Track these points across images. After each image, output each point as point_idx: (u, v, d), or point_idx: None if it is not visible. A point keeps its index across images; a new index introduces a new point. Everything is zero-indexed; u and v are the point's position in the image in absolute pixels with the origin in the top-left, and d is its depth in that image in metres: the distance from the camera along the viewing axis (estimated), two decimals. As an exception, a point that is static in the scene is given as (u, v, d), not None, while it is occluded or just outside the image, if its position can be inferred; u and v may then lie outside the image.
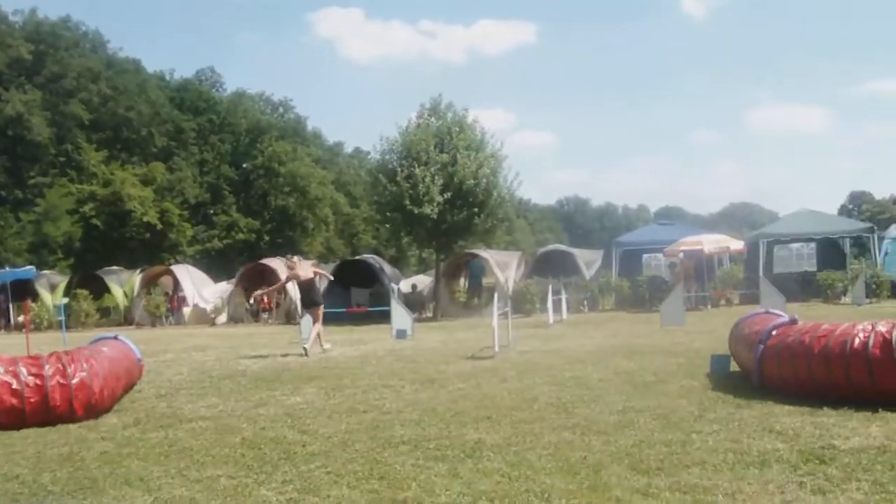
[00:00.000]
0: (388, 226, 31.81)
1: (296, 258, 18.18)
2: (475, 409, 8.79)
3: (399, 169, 28.89)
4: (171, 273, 36.21)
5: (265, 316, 32.89)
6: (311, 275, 17.64)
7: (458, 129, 29.98)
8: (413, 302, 29.78)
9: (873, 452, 6.15)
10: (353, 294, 30.89)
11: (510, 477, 5.92)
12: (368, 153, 57.64)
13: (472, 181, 28.93)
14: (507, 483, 5.78)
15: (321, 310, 16.95)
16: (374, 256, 37.21)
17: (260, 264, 34.82)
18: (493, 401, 9.30)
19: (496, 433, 7.48)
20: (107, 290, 34.85)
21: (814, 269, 30.91)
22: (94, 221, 62.50)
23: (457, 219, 28.94)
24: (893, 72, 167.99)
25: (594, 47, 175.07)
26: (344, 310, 26.85)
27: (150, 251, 61.80)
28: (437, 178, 28.33)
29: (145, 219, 63.13)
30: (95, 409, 8.99)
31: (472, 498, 5.46)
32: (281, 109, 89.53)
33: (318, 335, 16.68)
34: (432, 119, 30.76)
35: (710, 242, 28.36)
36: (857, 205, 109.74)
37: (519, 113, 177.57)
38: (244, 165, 79.05)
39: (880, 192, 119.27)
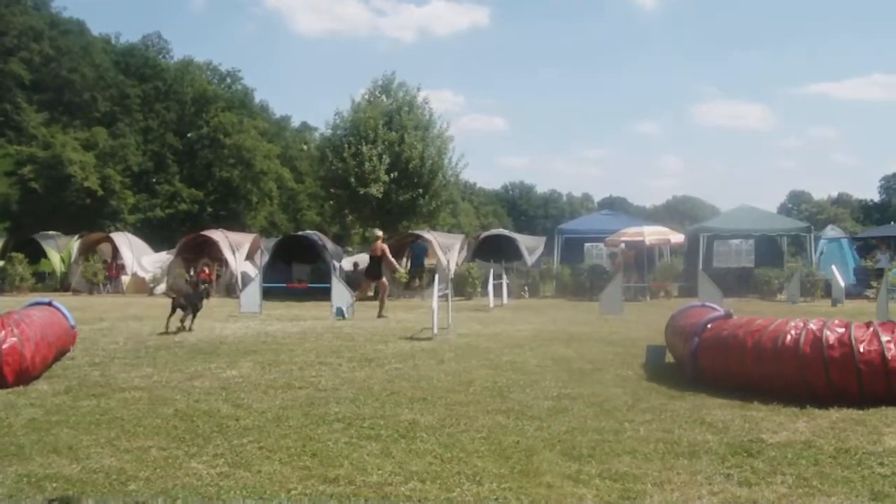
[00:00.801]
0: (332, 202, 31.63)
1: (378, 233, 21.48)
2: (411, 389, 8.81)
3: (346, 146, 28.71)
4: (110, 240, 35.65)
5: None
6: (379, 252, 20.59)
7: (407, 108, 29.90)
8: (354, 280, 29.70)
9: (799, 447, 6.28)
10: (295, 270, 30.72)
11: (442, 458, 5.95)
12: (316, 128, 57.19)
13: (419, 161, 28.88)
14: (439, 464, 5.80)
15: (383, 282, 20.58)
16: (317, 233, 36.92)
17: (201, 235, 34.43)
18: (429, 382, 9.32)
19: (431, 414, 7.50)
20: (43, 254, 34.22)
21: (752, 265, 31.32)
22: (33, 184, 61.08)
23: (402, 199, 28.90)
24: (837, 75, 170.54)
25: (545, 33, 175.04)
26: (284, 285, 26.65)
27: (90, 217, 60.56)
28: (384, 156, 28.23)
29: (86, 184, 61.81)
30: (26, 376, 8.85)
31: (404, 478, 5.48)
32: (228, 80, 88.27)
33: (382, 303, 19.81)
34: (383, 97, 30.62)
35: (652, 234, 28.67)
36: (797, 204, 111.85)
37: (468, 96, 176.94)
38: (189, 135, 77.87)
39: (819, 193, 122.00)
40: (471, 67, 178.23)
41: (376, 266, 20.60)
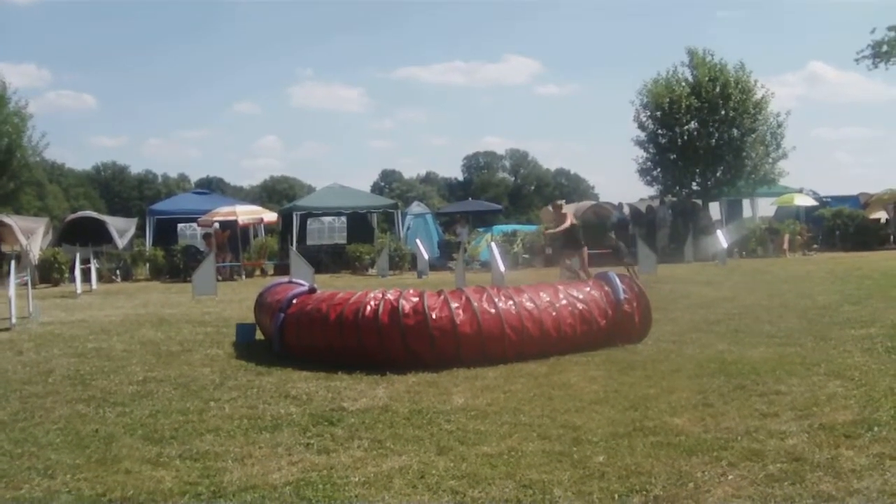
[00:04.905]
0: None
1: (561, 202, 21.01)
2: (-19, 386, 8.23)
3: None
4: None
5: None
6: (569, 222, 19.14)
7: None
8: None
9: (377, 412, 6.60)
10: None
11: (12, 455, 5.62)
12: None
13: (-9, 141, 26.92)
14: (7, 462, 5.48)
15: (585, 251, 18.99)
16: None
17: None
18: (4, 376, 8.75)
19: (3, 410, 7.06)
20: None
21: (344, 241, 32.41)
22: None
23: (-27, 182, 26.78)
24: (423, 60, 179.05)
25: (133, 5, 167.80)
26: None
27: None
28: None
29: None
30: None
31: (-34, 481, 5.12)
32: None
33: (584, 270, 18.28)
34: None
35: (244, 213, 28.80)
36: (389, 182, 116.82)
37: (55, 70, 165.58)
38: None
39: (409, 172, 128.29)
40: (56, 39, 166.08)
41: (575, 235, 19.12)
